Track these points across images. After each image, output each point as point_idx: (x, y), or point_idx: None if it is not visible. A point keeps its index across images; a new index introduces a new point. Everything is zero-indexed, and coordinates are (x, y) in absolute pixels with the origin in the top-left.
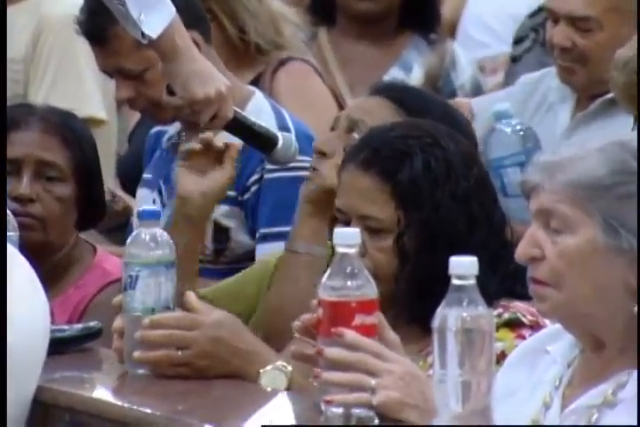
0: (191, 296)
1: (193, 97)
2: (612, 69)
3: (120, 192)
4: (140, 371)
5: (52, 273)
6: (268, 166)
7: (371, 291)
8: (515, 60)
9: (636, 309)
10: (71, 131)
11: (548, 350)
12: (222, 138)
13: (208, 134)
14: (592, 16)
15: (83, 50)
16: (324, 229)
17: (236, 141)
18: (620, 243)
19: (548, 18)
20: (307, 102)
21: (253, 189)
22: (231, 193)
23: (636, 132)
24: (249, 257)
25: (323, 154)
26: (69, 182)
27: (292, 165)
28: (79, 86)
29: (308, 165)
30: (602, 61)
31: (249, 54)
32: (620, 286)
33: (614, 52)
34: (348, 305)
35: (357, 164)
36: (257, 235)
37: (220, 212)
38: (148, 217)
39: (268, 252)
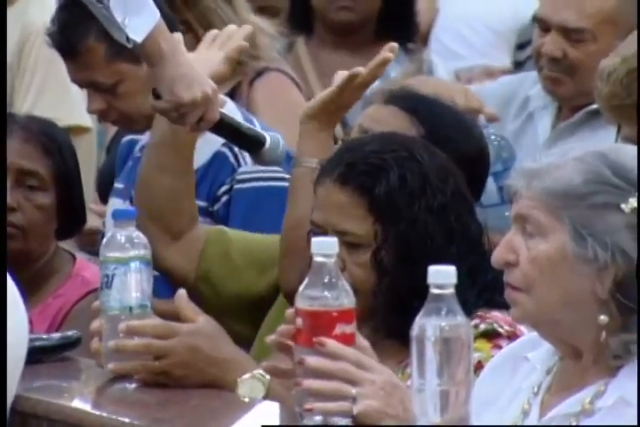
0: (182, 298)
1: (179, 100)
2: (597, 80)
3: (93, 205)
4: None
5: (31, 282)
6: (239, 177)
7: (348, 300)
8: (518, 65)
9: (602, 318)
10: (52, 139)
11: (527, 357)
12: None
13: None
14: (586, 28)
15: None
16: (330, 143)
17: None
18: (586, 252)
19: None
20: (284, 113)
21: (224, 199)
22: (202, 203)
23: (618, 143)
24: None
25: None
26: (50, 191)
27: (262, 175)
28: (65, 94)
29: (279, 175)
30: (590, 73)
31: None
32: (587, 294)
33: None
34: (329, 315)
35: (333, 179)
36: None
37: None
38: (123, 217)
39: None
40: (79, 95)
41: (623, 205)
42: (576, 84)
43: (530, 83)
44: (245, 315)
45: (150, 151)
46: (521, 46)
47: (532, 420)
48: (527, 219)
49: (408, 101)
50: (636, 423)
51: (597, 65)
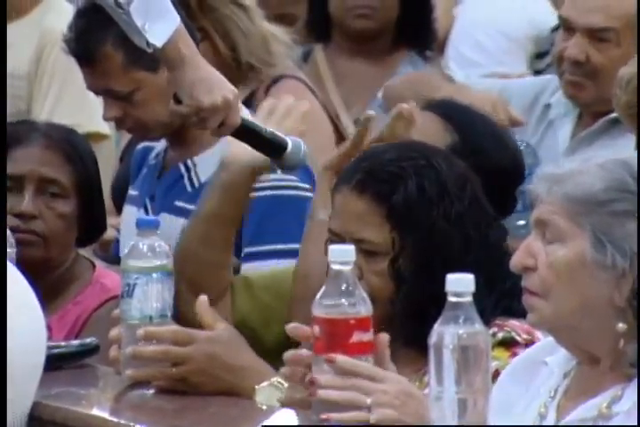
0: (203, 304)
1: (199, 105)
2: (616, 88)
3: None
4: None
5: (51, 289)
6: (254, 185)
7: (365, 308)
8: (537, 74)
9: (620, 326)
10: (73, 147)
11: (546, 362)
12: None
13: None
14: (613, 28)
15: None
16: None
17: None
18: (605, 259)
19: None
20: (300, 119)
21: None
22: None
23: (636, 152)
24: (234, 275)
25: None
26: (71, 199)
27: (277, 184)
28: (83, 101)
29: (294, 184)
30: (611, 78)
31: (241, 72)
32: (605, 301)
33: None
34: (347, 322)
35: (351, 186)
36: (242, 253)
37: None
38: (146, 226)
39: (253, 271)
40: (97, 102)
41: (637, 213)
42: (597, 89)
43: (551, 90)
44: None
45: (196, 224)
46: (540, 55)
47: (549, 423)
48: (547, 224)
49: (444, 108)
50: None
51: (618, 70)
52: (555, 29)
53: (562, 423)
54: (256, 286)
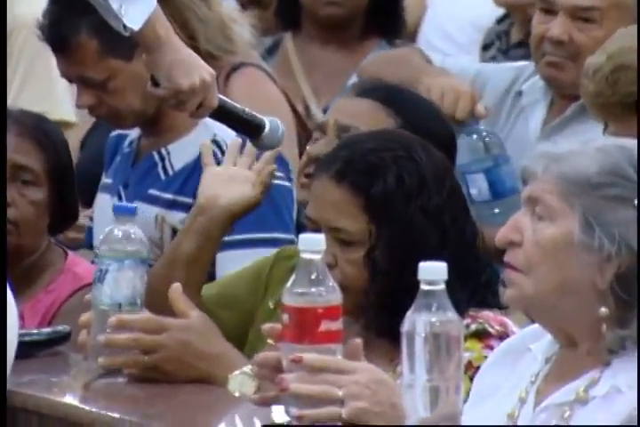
0: (177, 291)
1: (178, 87)
2: (583, 77)
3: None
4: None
5: (23, 277)
6: None
7: (335, 297)
8: None
9: (602, 310)
10: (46, 134)
11: (530, 348)
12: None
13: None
14: (598, 6)
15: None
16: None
17: None
18: (592, 241)
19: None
20: (261, 108)
21: None
22: (189, 200)
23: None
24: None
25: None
26: (43, 186)
27: None
28: (50, 88)
29: None
30: None
31: None
32: (586, 284)
33: None
34: (314, 311)
35: (330, 175)
36: None
37: (179, 219)
38: (123, 213)
39: (229, 259)
40: (64, 90)
41: (635, 201)
42: (577, 70)
43: (524, 77)
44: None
45: (168, 267)
46: (485, 47)
47: (528, 408)
48: (538, 201)
49: (381, 93)
50: (625, 410)
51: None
52: (500, 21)
53: (539, 408)
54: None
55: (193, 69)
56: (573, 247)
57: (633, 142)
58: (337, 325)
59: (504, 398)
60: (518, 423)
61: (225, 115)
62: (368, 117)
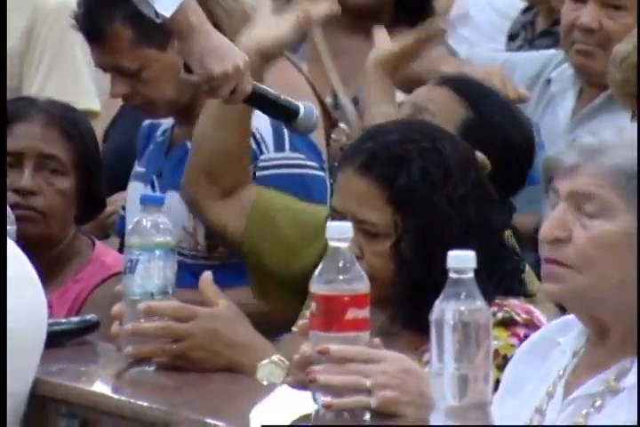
0: (206, 280)
1: (210, 73)
2: (610, 65)
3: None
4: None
5: (51, 267)
6: (261, 164)
7: (362, 285)
8: None
9: None
10: (73, 124)
11: (559, 342)
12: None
13: None
14: None
15: (78, 41)
16: (391, 90)
17: None
18: None
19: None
20: (284, 93)
21: None
22: None
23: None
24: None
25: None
26: (70, 175)
27: (284, 162)
28: (75, 79)
29: (299, 162)
30: None
31: None
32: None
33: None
34: (341, 299)
35: (355, 167)
36: None
37: None
38: (151, 203)
39: None
40: (89, 79)
41: None
42: (608, 58)
43: (553, 65)
44: (291, 287)
45: (213, 109)
46: (511, 37)
47: (557, 401)
48: (589, 197)
49: (459, 84)
50: None
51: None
52: (525, 11)
53: (568, 399)
54: (278, 216)
55: (226, 56)
56: (631, 243)
57: None
58: (364, 313)
59: (532, 392)
60: (547, 417)
61: (259, 100)
62: (441, 103)
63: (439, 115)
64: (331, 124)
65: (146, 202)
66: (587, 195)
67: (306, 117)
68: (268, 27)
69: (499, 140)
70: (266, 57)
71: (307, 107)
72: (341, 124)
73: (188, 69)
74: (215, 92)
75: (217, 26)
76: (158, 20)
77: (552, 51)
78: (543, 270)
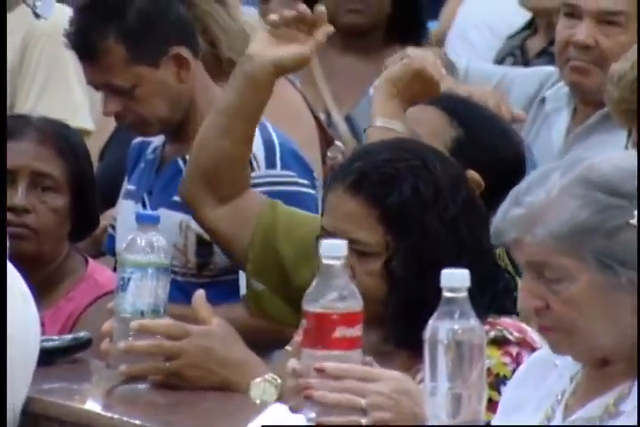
0: (200, 299)
1: None
2: (608, 83)
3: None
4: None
5: (43, 284)
6: (252, 181)
7: (355, 303)
8: None
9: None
10: (66, 141)
11: (556, 364)
12: None
13: (303, 7)
14: (625, 11)
15: (71, 60)
16: (401, 109)
17: None
18: (618, 279)
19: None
20: (281, 113)
21: None
22: None
23: (586, 159)
24: (231, 270)
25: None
26: (64, 193)
27: (276, 180)
28: (68, 97)
29: (290, 180)
30: None
31: (221, 68)
32: (627, 313)
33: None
34: (329, 318)
35: (345, 187)
36: None
37: None
38: (146, 221)
39: None
40: (82, 98)
41: (632, 220)
42: (603, 75)
43: (550, 84)
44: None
45: (215, 116)
46: (499, 62)
47: (557, 423)
48: (545, 265)
49: (447, 103)
50: None
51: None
52: (524, 29)
53: (567, 422)
54: (280, 239)
55: None
56: (603, 292)
57: (586, 169)
58: (353, 331)
59: (531, 414)
60: None
61: None
62: (429, 123)
63: (428, 135)
64: (327, 141)
65: (141, 220)
66: (540, 264)
67: None
68: (284, 43)
69: (489, 156)
70: (281, 68)
71: None
72: (337, 142)
73: None
74: None
75: (213, 44)
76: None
77: (549, 68)
78: (542, 337)
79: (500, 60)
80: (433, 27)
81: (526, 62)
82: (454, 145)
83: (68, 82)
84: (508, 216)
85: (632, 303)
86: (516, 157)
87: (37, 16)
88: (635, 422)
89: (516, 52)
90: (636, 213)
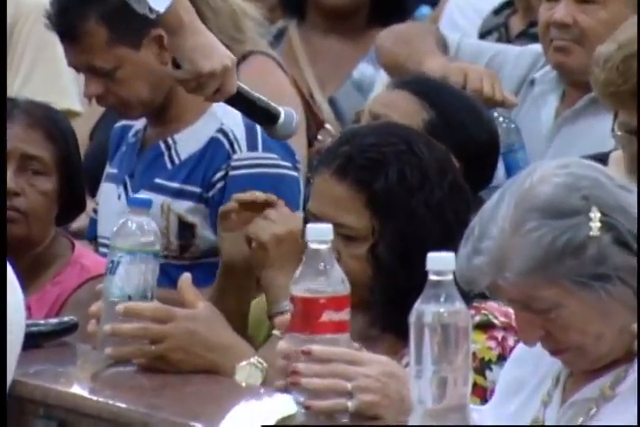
0: (186, 282)
1: (199, 70)
2: (593, 66)
3: None
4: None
5: (30, 268)
6: (234, 163)
7: (341, 287)
8: None
9: (634, 326)
10: (55, 124)
11: None
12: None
13: (241, 195)
14: None
15: (59, 41)
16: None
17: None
18: (599, 294)
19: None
20: (270, 96)
21: (219, 185)
22: (196, 190)
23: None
24: (213, 253)
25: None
26: (53, 176)
27: (257, 162)
28: (55, 78)
29: (272, 162)
30: (599, 43)
31: None
32: (624, 317)
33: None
34: (317, 302)
35: (332, 171)
36: None
37: (185, 208)
38: (139, 205)
39: None
40: (70, 79)
41: (591, 233)
42: (585, 53)
43: (540, 65)
44: None
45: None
46: (481, 36)
47: (554, 408)
48: (529, 300)
49: (418, 85)
50: None
51: (606, 34)
52: (496, 12)
53: (565, 405)
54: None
55: (215, 53)
56: (594, 310)
57: (524, 196)
58: (341, 315)
59: (528, 398)
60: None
61: (241, 101)
62: (400, 107)
63: (400, 118)
64: (317, 124)
65: (133, 204)
66: (523, 300)
67: (286, 123)
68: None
69: (463, 138)
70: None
71: (287, 112)
72: (327, 125)
73: (176, 65)
74: (201, 90)
75: (204, 25)
76: (152, 16)
77: (539, 47)
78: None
79: (483, 34)
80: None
81: (509, 40)
82: (427, 127)
83: (55, 63)
84: (472, 265)
85: (620, 303)
86: (491, 137)
87: (151, 11)
88: (631, 404)
89: (501, 29)
90: (592, 224)
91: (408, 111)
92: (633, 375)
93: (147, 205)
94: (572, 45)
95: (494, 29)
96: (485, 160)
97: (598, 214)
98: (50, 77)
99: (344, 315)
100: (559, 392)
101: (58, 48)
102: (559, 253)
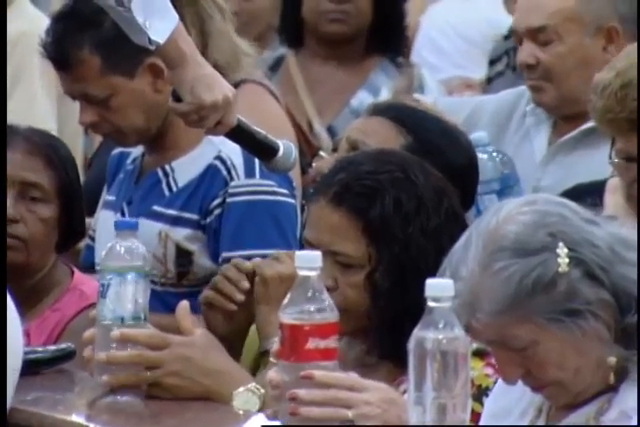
0: (183, 309)
1: (201, 102)
2: (592, 93)
3: None
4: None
5: (29, 295)
6: (231, 190)
7: (330, 314)
8: (488, 81)
9: (610, 359)
10: (54, 151)
11: None
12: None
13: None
14: (549, 25)
15: (37, 68)
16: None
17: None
18: (571, 329)
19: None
20: (262, 125)
21: (216, 212)
22: (194, 217)
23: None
24: (210, 280)
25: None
26: (52, 203)
27: (254, 189)
28: (32, 101)
29: (269, 189)
30: (567, 76)
31: None
32: (594, 351)
33: (578, 65)
34: (302, 329)
35: (328, 199)
36: (219, 259)
37: (183, 235)
38: (125, 228)
39: None
40: (47, 107)
41: (560, 269)
42: (557, 89)
43: (527, 98)
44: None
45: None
46: (492, 62)
47: None
48: (505, 340)
49: (394, 111)
50: None
51: (570, 66)
52: (506, 37)
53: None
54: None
55: (216, 86)
56: (567, 345)
57: (491, 237)
58: (327, 343)
59: (517, 421)
60: None
61: (240, 134)
62: (378, 133)
63: (378, 145)
64: (310, 151)
65: (120, 227)
66: (499, 340)
67: (284, 157)
68: None
69: (440, 162)
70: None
71: (286, 146)
72: (322, 152)
73: (177, 98)
74: (202, 122)
75: (205, 45)
76: (151, 47)
77: (522, 87)
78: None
79: (493, 60)
80: None
81: (515, 67)
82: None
83: (32, 90)
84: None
85: (594, 337)
86: (469, 161)
87: (150, 42)
88: None
89: (510, 53)
90: (560, 260)
91: (385, 137)
92: (616, 407)
93: (133, 227)
94: (542, 83)
95: (504, 54)
96: (464, 184)
97: (565, 250)
98: (26, 101)
99: (331, 342)
100: (542, 422)
101: (35, 76)
102: (529, 291)
